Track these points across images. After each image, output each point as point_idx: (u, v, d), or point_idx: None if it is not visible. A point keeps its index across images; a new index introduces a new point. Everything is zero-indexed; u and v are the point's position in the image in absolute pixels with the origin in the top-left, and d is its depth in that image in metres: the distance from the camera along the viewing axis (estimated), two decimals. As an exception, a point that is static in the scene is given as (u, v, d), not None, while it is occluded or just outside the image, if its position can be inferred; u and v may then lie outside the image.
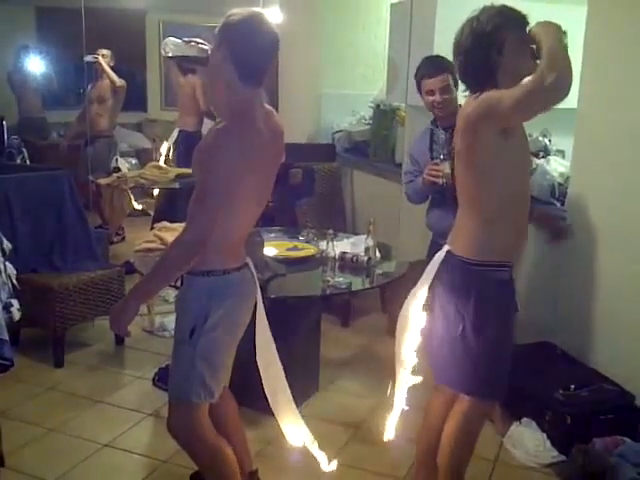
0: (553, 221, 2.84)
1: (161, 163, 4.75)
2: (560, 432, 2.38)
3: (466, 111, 1.78)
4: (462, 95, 1.94)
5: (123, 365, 3.22)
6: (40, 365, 3.10)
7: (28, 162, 4.55)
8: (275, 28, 1.70)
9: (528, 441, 2.44)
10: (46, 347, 3.14)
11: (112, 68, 5.20)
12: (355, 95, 4.88)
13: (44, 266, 3.27)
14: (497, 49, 1.71)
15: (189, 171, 3.32)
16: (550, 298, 2.89)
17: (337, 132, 4.88)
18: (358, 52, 4.97)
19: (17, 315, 2.29)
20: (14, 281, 2.35)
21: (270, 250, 2.73)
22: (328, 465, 2.08)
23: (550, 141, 3.50)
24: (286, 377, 2.76)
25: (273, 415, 2.13)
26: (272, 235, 3.05)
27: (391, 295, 3.57)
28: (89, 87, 5.18)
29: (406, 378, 1.99)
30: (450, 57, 2.73)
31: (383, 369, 3.17)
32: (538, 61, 1.65)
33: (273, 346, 1.96)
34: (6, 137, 4.39)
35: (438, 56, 2.66)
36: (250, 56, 1.66)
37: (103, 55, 5.15)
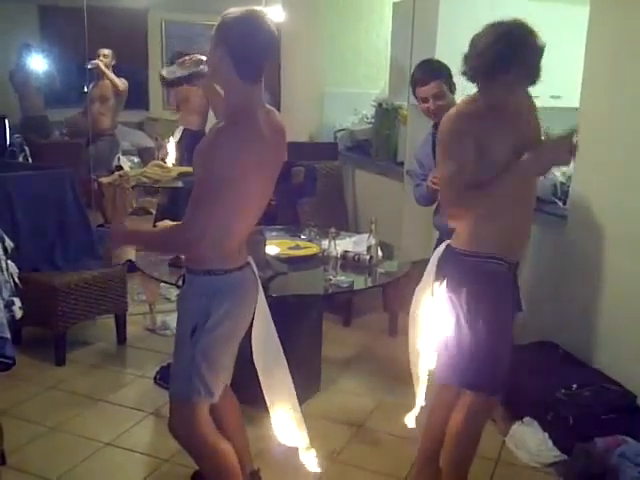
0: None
1: (169, 162, 4.75)
2: (562, 432, 2.37)
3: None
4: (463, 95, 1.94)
5: (125, 364, 3.23)
6: (42, 364, 3.10)
7: (30, 160, 4.55)
8: (273, 25, 1.69)
9: (530, 441, 2.43)
10: (48, 345, 3.14)
11: (113, 67, 5.20)
12: (357, 94, 4.88)
13: (46, 264, 3.27)
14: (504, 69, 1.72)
15: (191, 170, 3.32)
16: (552, 298, 2.88)
17: (339, 131, 4.88)
18: (360, 51, 4.96)
19: (19, 313, 2.29)
20: (16, 279, 2.35)
21: (272, 249, 2.73)
22: (319, 467, 2.06)
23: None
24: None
25: None
26: (274, 234, 3.05)
27: (393, 294, 3.57)
28: (90, 86, 5.18)
29: (423, 375, 2.02)
30: (451, 57, 2.74)
31: (385, 368, 3.18)
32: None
33: (278, 344, 1.95)
34: (8, 136, 4.39)
35: (432, 61, 2.64)
36: (248, 52, 1.65)
37: (104, 55, 5.15)
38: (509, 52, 1.68)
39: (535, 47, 1.71)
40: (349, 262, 2.75)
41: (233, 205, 1.68)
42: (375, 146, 4.44)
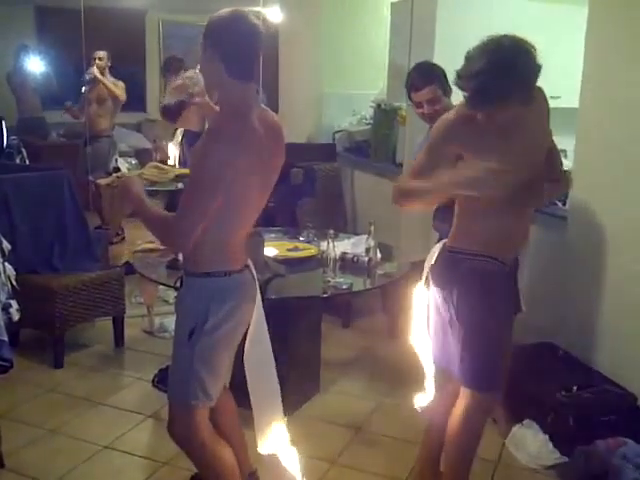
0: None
1: (170, 163, 4.75)
2: (562, 433, 2.37)
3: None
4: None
5: (123, 366, 3.21)
6: (40, 366, 3.09)
7: (27, 162, 4.54)
8: (259, 22, 1.71)
9: (530, 442, 2.43)
10: (46, 348, 3.13)
11: (109, 69, 5.19)
12: (356, 95, 4.88)
13: (44, 267, 3.26)
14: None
15: (189, 171, 3.31)
16: (552, 299, 2.88)
17: (338, 132, 4.88)
18: (359, 52, 4.96)
19: (16, 316, 2.28)
20: (13, 282, 2.34)
21: (270, 250, 2.72)
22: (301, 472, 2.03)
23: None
24: (288, 378, 2.76)
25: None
26: (272, 235, 3.04)
27: (392, 296, 3.57)
28: (87, 87, 5.16)
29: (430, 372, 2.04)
30: (450, 56, 2.73)
31: (384, 370, 3.17)
32: None
33: (270, 349, 1.94)
34: (5, 137, 4.37)
35: (426, 65, 2.61)
36: (235, 49, 1.66)
37: (99, 58, 5.13)
38: (497, 80, 1.62)
39: (528, 71, 1.66)
40: (348, 264, 2.74)
41: (229, 206, 1.67)
42: (374, 147, 4.44)
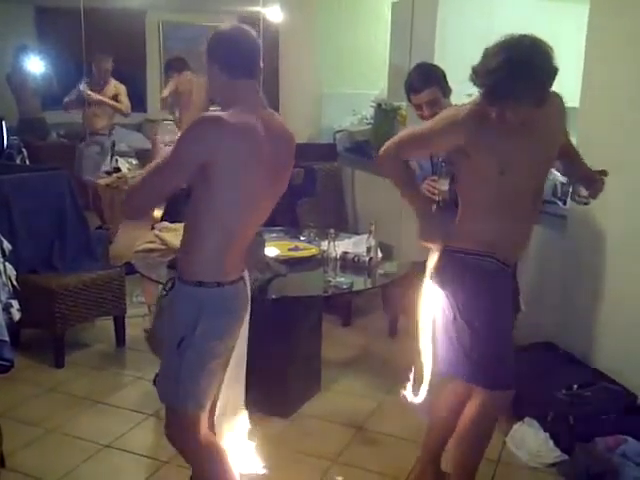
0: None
1: None
2: (563, 432, 2.37)
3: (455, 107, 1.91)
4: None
5: (124, 366, 3.21)
6: (40, 366, 3.09)
7: (28, 162, 4.54)
8: (255, 34, 1.74)
9: (531, 441, 2.43)
10: (46, 348, 3.13)
11: (112, 72, 5.18)
12: (356, 95, 4.88)
13: (44, 267, 3.26)
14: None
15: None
16: (552, 298, 2.88)
17: (338, 132, 4.88)
18: (359, 51, 4.96)
19: (17, 316, 2.29)
20: (14, 282, 2.34)
21: (271, 250, 2.72)
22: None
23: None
24: (288, 377, 2.77)
25: (272, 415, 2.11)
26: (273, 235, 3.05)
27: (393, 295, 3.57)
28: (85, 85, 5.15)
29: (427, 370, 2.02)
30: (450, 56, 2.73)
31: (385, 369, 3.18)
32: None
33: (245, 359, 1.91)
34: (6, 137, 4.38)
35: (425, 67, 2.60)
36: (233, 50, 1.70)
37: (105, 70, 5.11)
38: (511, 78, 1.61)
39: (544, 73, 1.64)
40: (349, 263, 2.74)
41: (224, 212, 1.65)
42: (374, 147, 4.44)
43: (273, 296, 2.44)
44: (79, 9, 5.15)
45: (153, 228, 3.12)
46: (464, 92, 2.60)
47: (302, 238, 3.04)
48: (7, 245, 2.36)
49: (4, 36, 5.80)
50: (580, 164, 2.01)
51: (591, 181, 1.95)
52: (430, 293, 1.96)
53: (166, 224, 3.02)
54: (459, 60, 2.86)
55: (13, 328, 2.39)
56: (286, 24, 5.19)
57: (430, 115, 2.53)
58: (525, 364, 2.50)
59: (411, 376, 2.01)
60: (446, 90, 2.52)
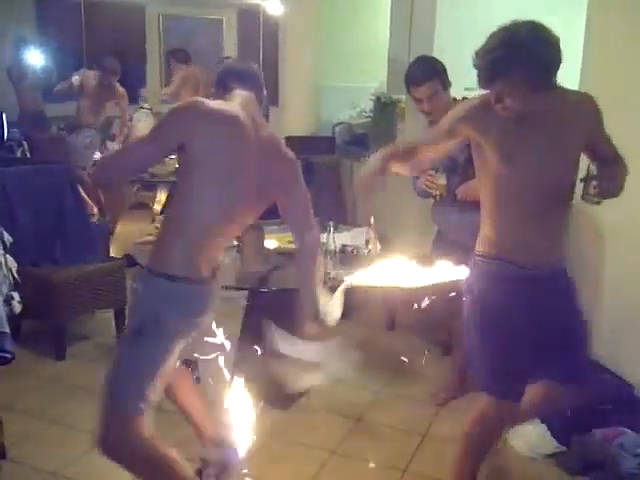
0: None
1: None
2: (561, 423, 2.38)
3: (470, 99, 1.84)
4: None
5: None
6: (41, 358, 3.10)
7: (28, 155, 4.55)
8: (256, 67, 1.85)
9: (529, 432, 2.44)
10: (47, 340, 3.15)
11: (118, 77, 5.16)
12: (356, 88, 4.88)
13: (45, 259, 3.27)
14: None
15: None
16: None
17: (338, 125, 4.88)
18: (359, 44, 4.96)
19: (18, 308, 2.30)
20: (15, 274, 2.35)
21: (271, 243, 2.73)
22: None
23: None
24: (287, 369, 2.76)
25: (272, 407, 2.10)
26: (273, 227, 3.05)
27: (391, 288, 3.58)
28: (77, 77, 5.16)
29: None
30: (449, 49, 2.73)
31: (383, 362, 3.19)
32: None
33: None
34: (6, 130, 4.38)
35: (424, 61, 2.58)
36: (230, 69, 1.86)
37: (113, 72, 5.09)
38: (507, 56, 1.59)
39: (535, 52, 1.60)
40: (347, 255, 2.75)
41: (200, 203, 1.63)
42: (373, 140, 4.44)
43: (273, 288, 2.45)
44: (79, 1, 5.13)
45: (153, 221, 3.13)
46: (463, 85, 2.62)
47: (301, 231, 3.04)
48: (8, 237, 2.37)
49: (4, 29, 5.78)
50: (614, 169, 1.84)
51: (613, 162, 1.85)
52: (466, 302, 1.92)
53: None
54: (458, 53, 2.86)
55: (14, 320, 2.41)
56: (286, 17, 5.18)
57: (429, 108, 2.53)
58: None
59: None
60: (446, 83, 2.52)
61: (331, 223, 2.78)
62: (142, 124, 5.00)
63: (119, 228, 4.82)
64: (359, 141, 4.66)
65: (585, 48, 2.70)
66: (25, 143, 4.59)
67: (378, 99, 4.36)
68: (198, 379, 2.92)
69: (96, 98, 5.14)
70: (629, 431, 2.28)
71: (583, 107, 1.77)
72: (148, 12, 6.79)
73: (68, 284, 3.11)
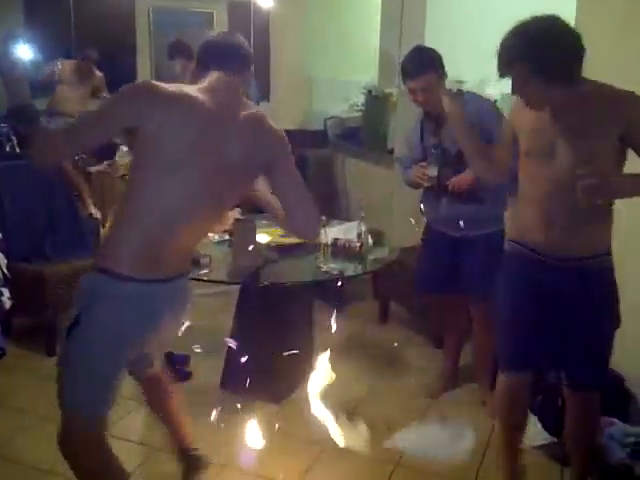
0: None
1: None
2: (551, 414, 2.40)
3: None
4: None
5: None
6: (32, 354, 3.09)
7: (17, 150, 4.51)
8: (242, 40, 1.72)
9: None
10: (38, 336, 3.13)
11: (99, 60, 5.20)
12: (348, 81, 4.87)
13: (35, 254, 3.25)
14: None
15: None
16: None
17: (329, 118, 4.87)
18: (351, 38, 4.95)
19: (8, 304, 2.29)
20: (5, 270, 2.34)
21: (263, 237, 2.73)
22: None
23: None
24: (280, 363, 2.78)
25: (270, 402, 2.09)
26: (264, 222, 3.04)
27: (383, 281, 3.59)
28: (59, 64, 5.16)
29: None
30: (440, 42, 2.72)
31: (376, 355, 3.20)
32: None
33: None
34: (-6, 126, 4.35)
35: (421, 52, 2.55)
36: (208, 46, 1.71)
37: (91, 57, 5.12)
38: (517, 46, 1.64)
39: (544, 40, 1.63)
40: (339, 249, 2.75)
41: (150, 196, 1.53)
42: (365, 133, 4.44)
43: (265, 282, 2.45)
44: (67, -5, 5.09)
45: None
46: (455, 77, 2.61)
47: (293, 225, 3.04)
48: (-3, 233, 2.36)
49: (-8, 22, 5.72)
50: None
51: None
52: None
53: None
54: (450, 45, 2.87)
55: (4, 316, 2.40)
56: (277, 10, 5.15)
57: (423, 101, 2.53)
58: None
59: None
60: (442, 76, 2.51)
61: (323, 217, 2.77)
62: None
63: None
64: (351, 135, 4.65)
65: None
66: (14, 138, 4.54)
67: (369, 92, 4.35)
68: (189, 374, 2.93)
69: (73, 86, 5.15)
70: (618, 422, 2.30)
71: (617, 104, 1.72)
72: (138, 5, 6.73)
73: (59, 280, 3.10)
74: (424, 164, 2.60)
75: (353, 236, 2.79)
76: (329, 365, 3.07)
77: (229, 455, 2.32)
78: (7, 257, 2.41)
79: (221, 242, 2.86)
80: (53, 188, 3.42)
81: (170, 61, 4.52)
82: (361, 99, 4.56)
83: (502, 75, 1.72)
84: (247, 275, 2.50)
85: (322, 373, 2.99)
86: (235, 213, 3.01)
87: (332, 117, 4.87)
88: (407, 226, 3.55)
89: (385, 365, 3.12)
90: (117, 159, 4.95)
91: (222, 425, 2.46)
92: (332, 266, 2.57)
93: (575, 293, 1.84)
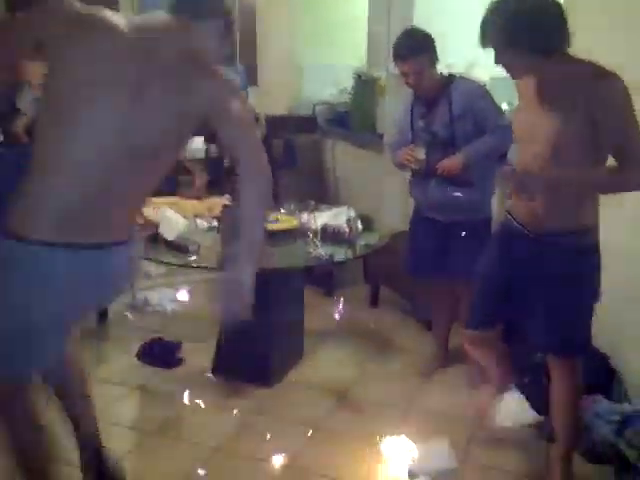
0: None
1: None
2: (538, 394, 2.44)
3: None
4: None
5: (107, 340, 3.22)
6: None
7: (2, 138, 4.45)
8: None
9: (507, 402, 2.49)
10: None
11: None
12: (338, 66, 4.84)
13: None
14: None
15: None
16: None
17: (319, 104, 4.85)
18: (341, 22, 4.91)
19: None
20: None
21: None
22: None
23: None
24: (272, 347, 2.80)
25: (262, 386, 2.09)
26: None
27: (373, 266, 3.61)
28: None
29: None
30: (429, 26, 2.71)
31: (366, 338, 3.23)
32: None
33: None
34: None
35: (413, 35, 2.53)
36: None
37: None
38: (490, 19, 1.69)
39: (523, 11, 1.64)
40: (329, 235, 2.76)
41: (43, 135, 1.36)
42: (354, 118, 4.42)
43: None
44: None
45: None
46: (444, 61, 2.61)
47: (282, 210, 3.05)
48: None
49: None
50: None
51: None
52: None
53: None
54: (439, 29, 2.85)
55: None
56: (264, -6, 5.10)
57: (414, 83, 2.53)
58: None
59: None
60: (434, 59, 2.51)
61: (312, 202, 2.78)
62: None
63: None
64: (340, 120, 4.63)
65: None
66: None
67: (359, 77, 4.33)
68: (180, 360, 2.94)
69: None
70: (604, 399, 2.34)
71: (595, 80, 1.70)
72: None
73: (48, 268, 3.08)
74: (412, 146, 2.61)
75: (342, 221, 2.80)
76: (320, 348, 3.10)
77: (220, 438, 2.34)
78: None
79: (210, 229, 2.86)
80: None
81: None
82: (352, 84, 4.54)
83: (484, 45, 1.73)
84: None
85: (313, 356, 3.02)
86: (223, 199, 3.02)
87: (321, 103, 4.85)
88: (397, 210, 3.57)
89: (376, 348, 3.15)
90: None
91: (213, 410, 2.49)
92: (321, 251, 2.58)
93: (544, 265, 1.90)
